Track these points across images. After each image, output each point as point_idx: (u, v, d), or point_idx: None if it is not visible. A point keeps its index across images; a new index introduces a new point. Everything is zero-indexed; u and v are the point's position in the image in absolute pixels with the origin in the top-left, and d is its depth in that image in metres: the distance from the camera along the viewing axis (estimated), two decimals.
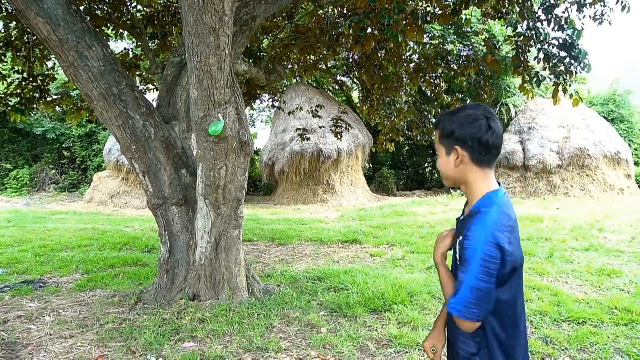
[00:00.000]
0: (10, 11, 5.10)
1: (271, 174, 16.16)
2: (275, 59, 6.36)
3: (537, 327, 3.55)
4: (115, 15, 5.73)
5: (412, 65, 6.94)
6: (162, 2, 6.41)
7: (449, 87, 10.50)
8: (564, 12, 4.81)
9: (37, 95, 6.07)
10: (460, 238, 1.41)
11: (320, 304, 4.09)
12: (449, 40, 13.19)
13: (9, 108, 5.97)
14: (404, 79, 6.98)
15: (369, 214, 10.87)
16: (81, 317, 3.79)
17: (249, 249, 6.73)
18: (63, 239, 7.40)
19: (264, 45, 7.97)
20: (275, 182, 16.84)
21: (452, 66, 6.67)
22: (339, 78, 18.08)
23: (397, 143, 7.99)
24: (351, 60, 8.38)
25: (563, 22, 4.74)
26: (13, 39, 5.65)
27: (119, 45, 13.39)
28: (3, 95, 6.00)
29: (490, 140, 1.37)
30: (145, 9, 6.47)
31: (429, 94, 12.74)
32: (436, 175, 20.66)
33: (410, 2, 5.09)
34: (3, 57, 5.73)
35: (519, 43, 4.99)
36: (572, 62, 4.75)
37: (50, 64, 6.49)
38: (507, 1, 5.16)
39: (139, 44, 6.12)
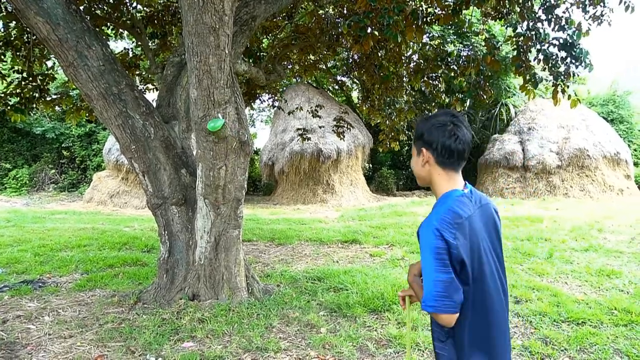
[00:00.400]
0: (9, 10, 5.10)
1: (271, 174, 16.14)
2: (275, 58, 6.36)
3: (536, 328, 3.55)
4: (115, 14, 5.72)
5: (411, 65, 6.94)
6: (161, 1, 6.40)
7: (449, 87, 10.48)
8: (564, 12, 4.82)
9: (37, 95, 6.07)
10: None
11: (319, 304, 4.09)
12: (448, 40, 13.19)
13: (9, 107, 5.96)
14: (404, 79, 6.98)
15: (369, 214, 10.87)
16: (80, 317, 3.79)
17: (248, 249, 6.72)
18: (62, 238, 7.39)
19: (263, 45, 7.96)
20: (274, 181, 16.82)
21: (451, 67, 6.67)
22: (338, 78, 18.06)
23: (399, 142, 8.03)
24: (351, 60, 8.38)
25: (563, 22, 4.75)
26: (12, 38, 5.64)
27: (119, 45, 13.40)
28: (2, 95, 5.99)
29: (452, 145, 1.47)
30: (145, 8, 6.47)
31: (427, 94, 12.73)
32: None
33: (410, 2, 5.09)
34: (3, 57, 5.72)
35: (519, 43, 4.99)
36: (573, 61, 4.75)
37: (49, 64, 6.49)
38: (507, 1, 5.15)
39: (139, 43, 6.12)
